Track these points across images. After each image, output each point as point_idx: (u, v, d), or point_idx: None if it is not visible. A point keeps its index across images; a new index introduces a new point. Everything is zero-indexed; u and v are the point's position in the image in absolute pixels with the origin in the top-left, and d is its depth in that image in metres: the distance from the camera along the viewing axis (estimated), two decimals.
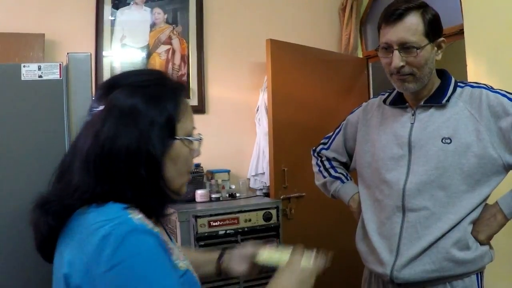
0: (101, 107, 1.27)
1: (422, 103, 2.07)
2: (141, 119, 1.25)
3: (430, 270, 1.95)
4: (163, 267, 1.17)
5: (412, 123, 2.08)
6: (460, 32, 3.76)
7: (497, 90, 1.97)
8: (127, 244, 1.13)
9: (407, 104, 2.13)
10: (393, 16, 1.94)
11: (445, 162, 1.95)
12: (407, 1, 1.95)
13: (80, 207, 1.22)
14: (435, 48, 2.01)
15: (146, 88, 1.30)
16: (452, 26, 3.89)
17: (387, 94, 2.27)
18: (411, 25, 1.92)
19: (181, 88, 1.44)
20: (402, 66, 1.96)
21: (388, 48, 1.99)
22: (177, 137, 1.35)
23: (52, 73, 1.99)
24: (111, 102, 1.27)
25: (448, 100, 2.01)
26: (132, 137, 1.23)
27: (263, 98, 4.47)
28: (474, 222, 1.97)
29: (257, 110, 4.56)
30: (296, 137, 4.31)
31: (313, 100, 4.52)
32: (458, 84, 2.06)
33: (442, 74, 2.11)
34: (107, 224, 1.14)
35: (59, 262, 1.21)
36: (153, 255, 1.16)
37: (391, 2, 2.00)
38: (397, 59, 1.95)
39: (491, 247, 2.04)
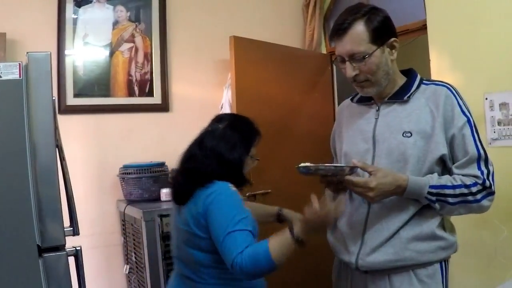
0: (222, 125, 2.40)
1: (386, 99, 2.18)
2: (240, 142, 2.35)
3: (393, 259, 2.04)
4: (241, 203, 2.17)
5: (376, 118, 2.19)
6: (423, 27, 3.81)
7: (457, 96, 2.08)
8: (222, 191, 2.18)
9: (372, 101, 2.24)
10: (339, 30, 2.06)
11: (405, 154, 2.06)
12: (352, 11, 2.07)
13: (203, 180, 2.22)
14: (388, 50, 2.09)
15: (246, 126, 2.46)
16: (415, 21, 3.95)
17: (355, 93, 2.35)
18: (356, 36, 2.03)
19: (259, 133, 2.47)
20: (357, 75, 2.08)
21: (342, 60, 2.11)
22: (249, 155, 2.40)
23: (11, 73, 1.97)
24: (230, 126, 2.40)
25: (410, 96, 2.11)
26: (235, 149, 2.32)
27: (227, 96, 4.45)
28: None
29: (221, 107, 4.54)
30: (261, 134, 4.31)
31: (278, 97, 4.51)
32: (424, 81, 2.16)
33: (409, 73, 2.21)
34: (216, 188, 2.19)
35: (188, 210, 2.22)
36: (237, 196, 2.18)
37: (339, 14, 2.11)
38: (349, 69, 2.08)
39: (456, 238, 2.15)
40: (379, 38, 2.04)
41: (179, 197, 2.30)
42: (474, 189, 1.99)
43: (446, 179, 2.01)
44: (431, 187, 1.99)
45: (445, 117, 2.03)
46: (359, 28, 2.03)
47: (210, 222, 2.11)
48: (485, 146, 2.07)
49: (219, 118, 2.49)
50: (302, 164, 2.05)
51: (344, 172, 1.99)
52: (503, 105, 3.17)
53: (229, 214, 2.08)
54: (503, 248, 2.82)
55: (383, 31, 2.06)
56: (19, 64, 1.98)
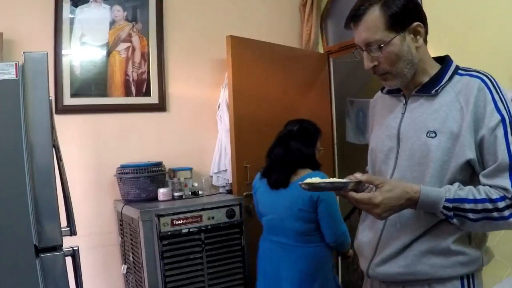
0: (295, 128, 3.31)
1: (414, 92, 1.97)
2: (311, 139, 3.29)
3: (404, 272, 1.88)
4: None
5: (403, 113, 1.99)
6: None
7: (492, 90, 1.79)
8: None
9: (401, 92, 2.03)
10: (354, 17, 1.89)
11: (427, 157, 1.84)
12: None
13: (293, 170, 3.22)
14: (411, 36, 1.89)
15: (312, 126, 3.36)
16: None
17: None
18: (371, 23, 1.85)
19: (321, 131, 3.39)
20: (375, 66, 1.90)
21: (361, 49, 1.92)
22: (317, 147, 3.31)
23: (8, 72, 1.96)
24: (301, 128, 3.31)
25: (438, 90, 1.88)
26: (308, 144, 3.26)
27: (224, 95, 4.45)
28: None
29: (219, 107, 4.55)
30: (258, 133, 4.31)
31: (275, 96, 4.52)
32: (459, 71, 1.91)
33: (443, 61, 1.98)
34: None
35: (294, 191, 3.12)
36: None
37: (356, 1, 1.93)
38: (366, 60, 1.90)
39: (483, 251, 1.89)
40: (398, 24, 1.84)
41: (280, 184, 3.23)
42: (501, 205, 1.69)
43: (467, 191, 1.74)
44: (448, 200, 1.73)
45: (476, 115, 1.76)
46: (375, 14, 1.84)
47: (325, 208, 3.11)
48: None
49: (291, 123, 3.38)
50: (307, 181, 1.84)
51: (347, 188, 1.78)
52: None
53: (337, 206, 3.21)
54: (500, 247, 2.82)
55: (403, 16, 1.85)
56: (16, 64, 1.97)
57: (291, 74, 4.71)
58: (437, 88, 1.88)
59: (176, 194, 4.06)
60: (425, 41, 1.97)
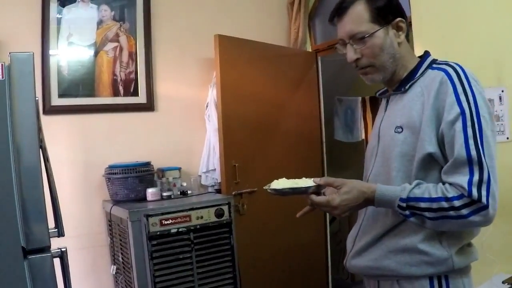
0: None
1: (393, 90, 2.01)
2: None
3: (372, 266, 1.90)
4: None
5: (385, 112, 2.04)
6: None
7: (456, 82, 1.77)
8: None
9: (387, 93, 2.07)
10: (339, 10, 1.93)
11: (393, 152, 1.86)
12: None
13: None
14: (393, 31, 1.92)
15: None
16: None
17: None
18: (356, 15, 1.89)
19: None
20: (358, 59, 1.92)
21: (343, 43, 1.96)
22: None
23: None
24: None
25: (407, 87, 1.91)
26: None
27: (212, 94, 4.45)
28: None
29: (207, 106, 4.54)
30: (246, 132, 4.32)
31: (263, 95, 4.52)
32: (433, 65, 1.92)
33: (422, 57, 2.00)
34: None
35: None
36: None
37: None
38: (350, 52, 1.92)
39: (458, 252, 1.83)
40: (382, 17, 1.88)
41: None
42: (457, 203, 1.66)
43: (424, 190, 1.73)
44: (401, 200, 1.74)
45: (437, 108, 1.75)
46: (360, 7, 1.88)
47: None
48: None
49: None
50: (273, 186, 1.91)
51: (308, 191, 1.85)
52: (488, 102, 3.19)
53: None
54: (489, 244, 2.83)
55: (387, 10, 1.90)
56: (2, 64, 1.96)
57: (279, 73, 4.72)
58: (407, 84, 1.91)
59: (164, 194, 4.05)
60: (407, 39, 2.00)
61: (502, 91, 3.17)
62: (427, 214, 1.71)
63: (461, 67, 1.83)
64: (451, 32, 3.44)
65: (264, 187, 1.93)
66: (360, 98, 5.67)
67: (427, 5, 3.58)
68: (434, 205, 1.69)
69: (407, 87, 1.91)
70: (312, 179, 1.87)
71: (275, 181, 1.93)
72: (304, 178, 1.92)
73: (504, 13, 3.18)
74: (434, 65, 1.91)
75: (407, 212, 1.74)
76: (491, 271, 3.06)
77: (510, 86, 3.15)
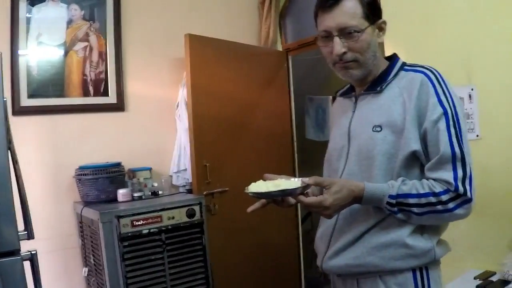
0: None
1: (363, 91, 2.02)
2: None
3: (354, 264, 1.90)
4: None
5: (353, 112, 2.04)
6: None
7: (435, 83, 1.83)
8: None
9: (353, 93, 2.09)
10: (329, 1, 1.88)
11: (373, 151, 1.87)
12: None
13: None
14: (376, 31, 1.95)
15: None
16: None
17: (340, 88, 2.23)
18: (349, 8, 1.86)
19: None
20: (345, 53, 1.90)
21: (328, 36, 1.91)
22: None
23: None
24: None
25: (383, 87, 1.94)
26: None
27: (183, 94, 4.44)
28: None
29: (177, 106, 4.53)
30: (217, 131, 4.32)
31: (234, 94, 4.52)
32: (405, 67, 1.97)
33: (391, 59, 2.04)
34: None
35: None
36: None
37: None
38: (338, 45, 1.88)
39: (438, 243, 1.89)
40: (371, 15, 1.89)
41: None
42: (444, 197, 1.74)
43: (411, 186, 1.78)
44: (391, 196, 1.78)
45: (419, 108, 1.80)
46: (354, 1, 1.87)
47: None
48: None
49: None
50: (252, 190, 1.88)
51: (296, 193, 1.79)
52: None
53: None
54: (461, 240, 2.86)
55: (375, 9, 1.92)
56: None
57: (250, 72, 4.72)
58: (382, 84, 1.94)
59: (135, 194, 4.03)
60: None
61: (472, 89, 3.22)
62: (415, 209, 1.78)
63: (436, 71, 1.89)
64: (420, 31, 3.49)
65: (245, 191, 1.90)
66: (331, 97, 5.69)
67: (396, 4, 3.61)
68: (423, 200, 1.76)
69: (383, 87, 1.93)
70: (301, 179, 1.83)
71: (253, 183, 1.90)
72: (282, 178, 1.90)
73: (472, 12, 3.23)
74: (407, 67, 1.95)
75: (395, 209, 1.80)
76: (463, 267, 3.10)
77: (479, 84, 3.20)
